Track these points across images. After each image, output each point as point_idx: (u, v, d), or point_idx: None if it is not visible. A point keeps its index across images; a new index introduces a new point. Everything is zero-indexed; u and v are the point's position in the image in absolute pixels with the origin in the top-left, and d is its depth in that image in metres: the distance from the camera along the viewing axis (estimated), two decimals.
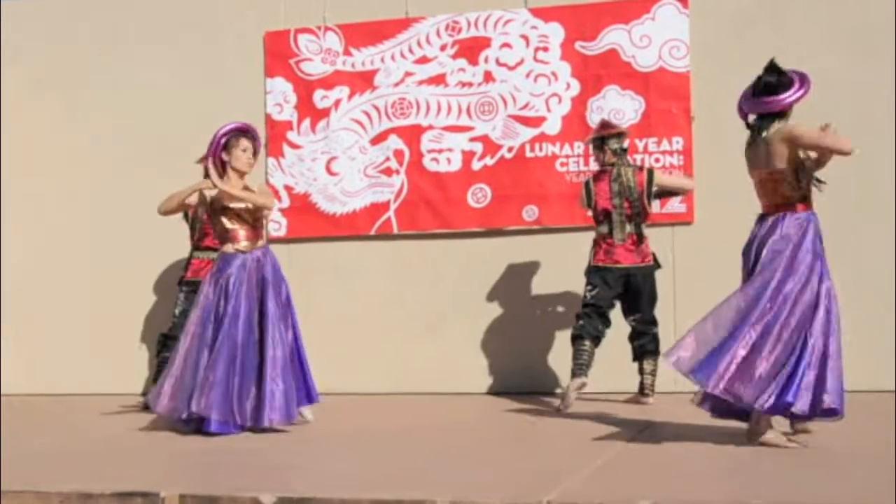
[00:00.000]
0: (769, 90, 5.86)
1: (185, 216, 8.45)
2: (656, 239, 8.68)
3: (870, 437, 5.78)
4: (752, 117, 6.01)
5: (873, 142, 8.36)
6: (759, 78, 5.93)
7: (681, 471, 4.90)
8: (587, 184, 7.93)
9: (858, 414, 6.27)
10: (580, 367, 7.42)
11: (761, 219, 6.00)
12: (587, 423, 6.14)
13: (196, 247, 8.43)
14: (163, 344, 8.29)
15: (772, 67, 5.90)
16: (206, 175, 7.09)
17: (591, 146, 8.08)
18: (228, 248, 6.97)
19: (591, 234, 8.47)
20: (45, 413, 8.12)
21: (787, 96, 5.83)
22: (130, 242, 9.50)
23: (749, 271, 5.90)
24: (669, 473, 4.84)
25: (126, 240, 9.53)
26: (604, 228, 7.79)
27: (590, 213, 7.91)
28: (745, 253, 6.01)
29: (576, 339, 7.57)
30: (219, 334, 6.73)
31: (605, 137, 7.89)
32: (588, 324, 7.57)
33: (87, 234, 9.41)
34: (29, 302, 9.66)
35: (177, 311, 8.23)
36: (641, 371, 7.87)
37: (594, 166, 8.37)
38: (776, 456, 5.33)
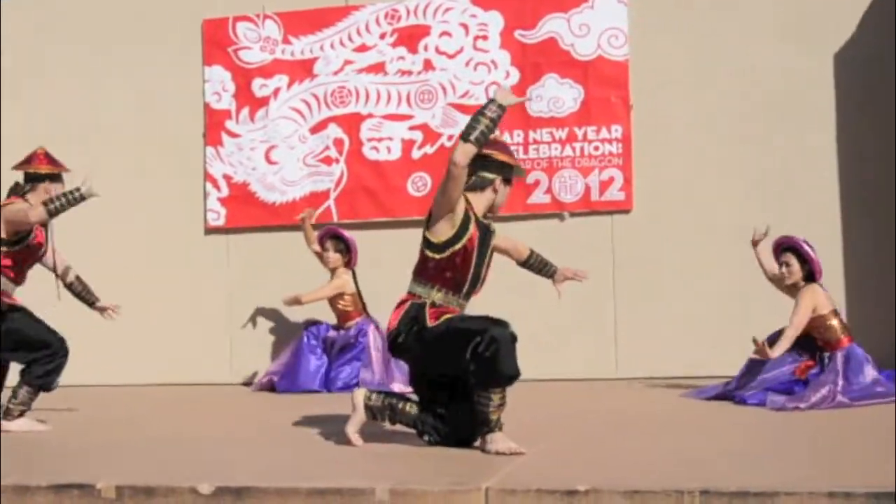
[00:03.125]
0: None
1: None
2: (595, 227, 8.73)
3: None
4: None
5: (813, 131, 8.46)
6: None
7: (619, 457, 4.93)
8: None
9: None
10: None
11: None
12: (527, 409, 6.15)
13: None
14: None
15: None
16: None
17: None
18: None
19: (532, 223, 8.50)
20: None
21: None
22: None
23: None
24: (609, 460, 4.86)
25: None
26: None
27: None
28: None
29: None
30: None
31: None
32: None
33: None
34: None
35: None
36: None
37: (533, 154, 8.42)
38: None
